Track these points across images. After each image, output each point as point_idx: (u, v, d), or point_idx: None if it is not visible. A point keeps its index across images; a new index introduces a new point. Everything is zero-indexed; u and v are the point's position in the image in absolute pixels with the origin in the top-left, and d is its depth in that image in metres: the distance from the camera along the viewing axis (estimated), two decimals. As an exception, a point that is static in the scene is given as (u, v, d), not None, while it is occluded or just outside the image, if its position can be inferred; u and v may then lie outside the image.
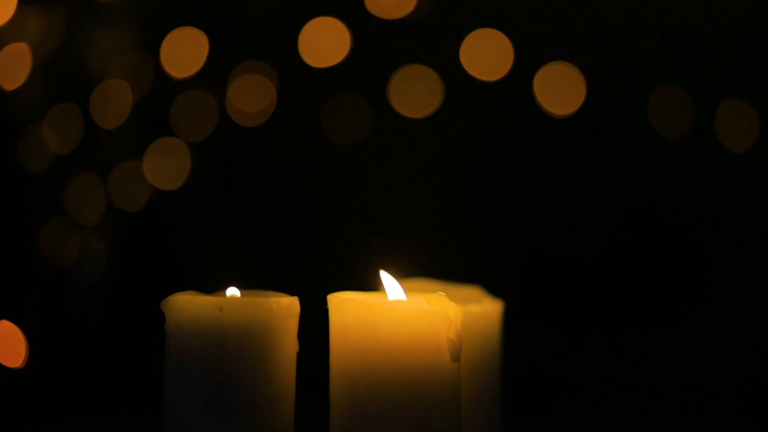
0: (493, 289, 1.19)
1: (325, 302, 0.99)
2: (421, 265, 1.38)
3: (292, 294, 1.02)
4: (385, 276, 1.02)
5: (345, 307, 0.97)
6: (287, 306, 1.00)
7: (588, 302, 1.97)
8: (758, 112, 1.91)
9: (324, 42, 1.96)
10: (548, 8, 1.97)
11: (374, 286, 1.11)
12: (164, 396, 1.00)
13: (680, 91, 1.92)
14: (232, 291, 1.03)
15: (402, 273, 1.09)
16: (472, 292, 1.17)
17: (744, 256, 1.95)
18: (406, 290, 1.02)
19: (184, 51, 1.96)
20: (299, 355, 1.02)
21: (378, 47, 1.97)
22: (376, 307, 0.96)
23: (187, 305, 0.98)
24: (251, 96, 1.98)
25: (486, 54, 1.94)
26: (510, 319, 1.19)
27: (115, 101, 1.95)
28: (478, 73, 1.95)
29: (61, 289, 1.94)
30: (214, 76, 1.97)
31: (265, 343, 0.98)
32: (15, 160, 1.91)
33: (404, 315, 0.96)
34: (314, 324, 1.05)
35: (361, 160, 1.99)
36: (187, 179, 1.97)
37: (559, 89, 1.93)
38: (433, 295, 0.98)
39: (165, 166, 1.97)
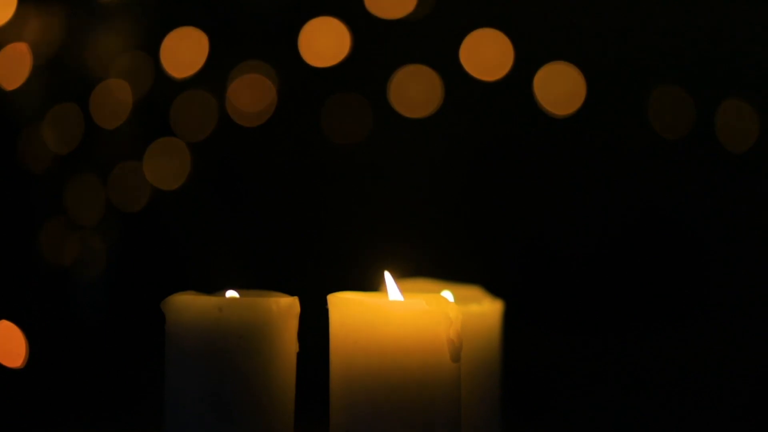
0: (493, 289, 1.19)
1: (325, 302, 0.99)
2: (421, 265, 1.38)
3: (292, 294, 1.02)
4: (388, 278, 1.02)
5: (345, 307, 0.97)
6: (287, 306, 1.00)
7: (588, 302, 1.97)
8: (758, 112, 1.91)
9: (324, 42, 1.96)
10: (548, 8, 1.97)
11: (375, 285, 1.11)
12: (164, 396, 1.00)
13: (680, 91, 1.92)
14: (231, 294, 1.02)
15: (402, 273, 1.09)
16: (472, 292, 1.17)
17: (744, 256, 1.95)
18: (406, 291, 1.02)
19: (184, 51, 1.96)
20: (299, 355, 1.02)
21: (378, 47, 1.97)
22: (376, 307, 0.96)
23: (187, 305, 0.98)
24: (251, 96, 1.98)
25: (486, 54, 1.94)
26: (510, 319, 1.19)
27: (115, 101, 1.95)
28: (478, 73, 1.95)
29: (61, 289, 1.94)
30: (214, 76, 1.97)
31: (265, 343, 0.98)
32: (15, 160, 1.91)
33: (404, 315, 0.96)
34: (314, 324, 1.05)
35: (361, 160, 1.99)
36: (187, 179, 1.97)
37: (559, 89, 1.93)
38: (433, 295, 0.98)
39: (165, 166, 1.97)
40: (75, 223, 1.94)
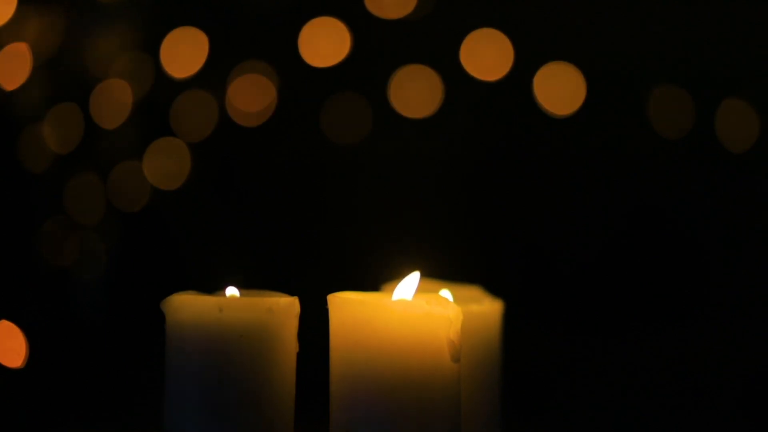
0: (493, 289, 1.19)
1: (325, 302, 0.99)
2: (422, 265, 1.38)
3: (292, 294, 1.02)
4: (414, 277, 1.02)
5: (345, 307, 0.97)
6: (287, 306, 1.00)
7: (588, 302, 1.97)
8: (758, 112, 1.91)
9: (324, 42, 1.96)
10: (548, 8, 1.97)
11: (375, 285, 1.11)
12: (164, 396, 1.00)
13: (680, 91, 1.92)
14: (232, 291, 1.03)
15: (402, 273, 1.09)
16: (472, 292, 1.17)
17: (744, 256, 1.95)
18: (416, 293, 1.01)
19: (184, 51, 1.96)
20: (299, 355, 1.02)
21: (378, 47, 1.97)
22: (376, 307, 0.96)
23: (187, 305, 0.98)
24: (251, 96, 1.98)
25: (486, 54, 1.94)
26: (510, 319, 1.19)
27: (115, 101, 1.95)
28: (478, 73, 1.95)
29: (61, 289, 1.94)
30: (214, 76, 1.97)
31: (265, 343, 0.98)
32: (15, 160, 1.91)
33: (404, 315, 0.96)
34: (314, 324, 1.05)
35: (360, 160, 1.99)
36: (187, 179, 1.97)
37: (559, 89, 1.93)
38: (433, 295, 0.98)
39: (165, 166, 1.97)
40: (75, 223, 1.94)
